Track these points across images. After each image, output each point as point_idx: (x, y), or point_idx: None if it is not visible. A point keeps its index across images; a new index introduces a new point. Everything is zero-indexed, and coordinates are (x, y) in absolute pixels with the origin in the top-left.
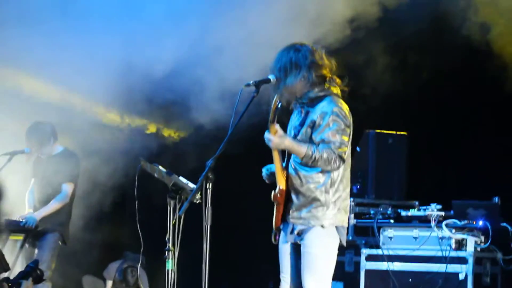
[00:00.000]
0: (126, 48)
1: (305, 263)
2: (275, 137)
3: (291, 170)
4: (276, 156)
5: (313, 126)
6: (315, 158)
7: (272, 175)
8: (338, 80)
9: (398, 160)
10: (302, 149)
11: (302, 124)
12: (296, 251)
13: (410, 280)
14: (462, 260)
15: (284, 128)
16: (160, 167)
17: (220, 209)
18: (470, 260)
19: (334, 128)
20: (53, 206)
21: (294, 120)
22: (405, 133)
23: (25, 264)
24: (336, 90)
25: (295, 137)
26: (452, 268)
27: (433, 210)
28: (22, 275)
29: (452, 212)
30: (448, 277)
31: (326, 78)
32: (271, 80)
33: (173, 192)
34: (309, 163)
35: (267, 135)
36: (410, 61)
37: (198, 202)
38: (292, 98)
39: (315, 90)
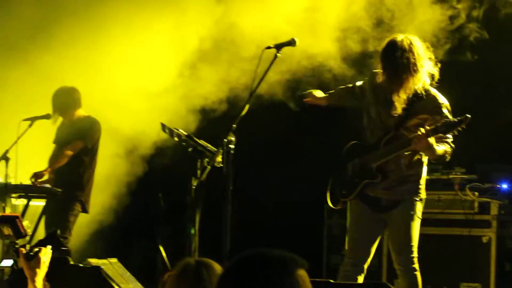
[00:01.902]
0: None
1: None
2: None
3: None
4: None
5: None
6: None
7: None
8: None
9: None
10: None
11: None
12: None
13: (433, 243)
14: (486, 224)
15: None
16: (180, 130)
17: (242, 172)
18: (494, 224)
19: None
20: (59, 159)
21: None
22: None
23: (46, 231)
24: None
25: None
26: (476, 231)
27: (457, 174)
28: (42, 243)
29: (476, 175)
30: (471, 241)
31: None
32: (294, 42)
33: (194, 156)
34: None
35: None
36: None
37: (219, 165)
38: None
39: None
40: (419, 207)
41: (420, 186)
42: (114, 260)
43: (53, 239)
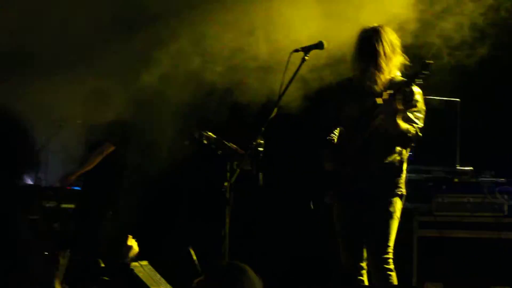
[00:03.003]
0: None
1: None
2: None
3: None
4: None
5: None
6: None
7: None
8: None
9: (450, 125)
10: None
11: None
12: None
13: (462, 246)
14: None
15: None
16: (210, 133)
17: (272, 175)
18: None
19: None
20: (88, 160)
21: None
22: (457, 99)
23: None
24: None
25: None
26: (506, 235)
27: (486, 177)
28: (62, 246)
29: (505, 178)
30: (501, 244)
31: None
32: (322, 45)
33: (224, 159)
34: None
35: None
36: None
37: (248, 168)
38: None
39: None
40: (399, 205)
41: (400, 180)
42: (144, 262)
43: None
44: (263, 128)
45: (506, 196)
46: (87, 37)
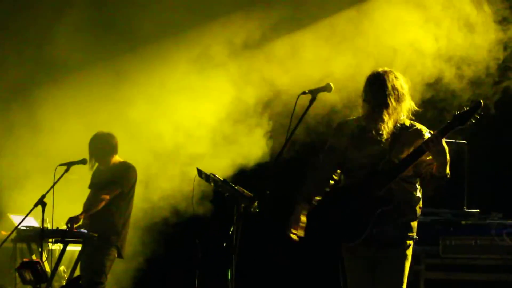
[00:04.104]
0: None
1: None
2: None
3: None
4: None
5: None
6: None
7: None
8: None
9: (458, 168)
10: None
11: None
12: None
13: None
14: None
15: None
16: (216, 176)
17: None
18: None
19: None
20: (94, 204)
21: None
22: (465, 141)
23: (81, 275)
24: None
25: None
26: None
27: (494, 219)
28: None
29: None
30: (508, 287)
31: None
32: (330, 87)
33: (230, 201)
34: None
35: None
36: None
37: (256, 211)
38: None
39: None
40: (411, 250)
41: (413, 224)
42: None
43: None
44: (270, 171)
45: None
46: None
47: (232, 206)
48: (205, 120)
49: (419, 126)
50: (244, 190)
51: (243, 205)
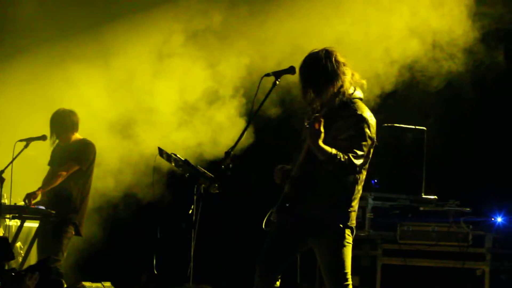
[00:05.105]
0: None
1: None
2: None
3: None
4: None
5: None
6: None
7: None
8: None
9: (416, 154)
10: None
11: None
12: None
13: (426, 275)
14: (480, 257)
15: None
16: (178, 156)
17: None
18: (488, 257)
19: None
20: (52, 180)
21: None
22: (423, 128)
23: (38, 253)
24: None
25: None
26: (469, 264)
27: (451, 206)
28: (31, 269)
29: (470, 208)
30: (465, 274)
31: None
32: (294, 70)
33: (191, 182)
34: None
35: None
36: None
37: (216, 191)
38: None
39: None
40: (348, 234)
41: (350, 210)
42: (107, 283)
43: (43, 266)
44: (231, 151)
45: (471, 226)
46: None
47: (193, 186)
48: (172, 99)
49: (355, 105)
50: (206, 170)
51: (203, 185)
